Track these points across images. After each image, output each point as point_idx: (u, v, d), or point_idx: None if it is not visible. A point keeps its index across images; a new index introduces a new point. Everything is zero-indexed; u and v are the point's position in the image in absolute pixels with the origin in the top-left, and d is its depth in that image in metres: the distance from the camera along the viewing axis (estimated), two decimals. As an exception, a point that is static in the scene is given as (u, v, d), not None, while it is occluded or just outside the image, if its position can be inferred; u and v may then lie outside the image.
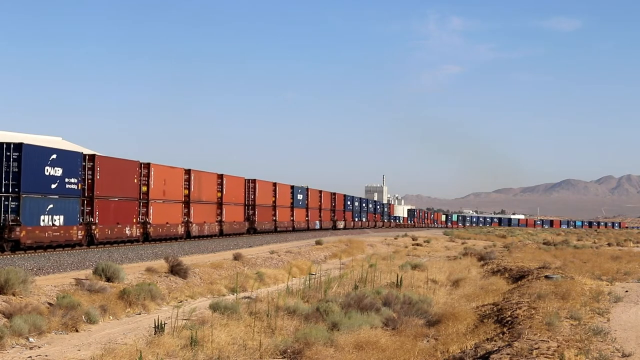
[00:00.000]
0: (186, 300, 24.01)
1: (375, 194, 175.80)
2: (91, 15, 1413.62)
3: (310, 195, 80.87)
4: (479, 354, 13.79)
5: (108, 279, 23.08)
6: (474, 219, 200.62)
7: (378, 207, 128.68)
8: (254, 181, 62.34)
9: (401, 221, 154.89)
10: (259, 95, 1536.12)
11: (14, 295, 18.79)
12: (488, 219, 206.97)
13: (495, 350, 13.56)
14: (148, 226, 42.61)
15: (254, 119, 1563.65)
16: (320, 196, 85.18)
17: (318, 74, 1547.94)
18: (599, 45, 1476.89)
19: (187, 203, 48.26)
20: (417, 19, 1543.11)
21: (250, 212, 61.70)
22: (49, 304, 18.99)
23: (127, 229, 40.27)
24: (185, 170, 48.17)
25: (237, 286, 24.80)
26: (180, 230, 47.29)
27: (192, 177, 48.80)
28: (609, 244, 74.88)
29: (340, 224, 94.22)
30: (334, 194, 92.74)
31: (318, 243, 51.17)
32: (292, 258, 39.25)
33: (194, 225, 49.13)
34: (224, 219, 54.78)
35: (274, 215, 67.72)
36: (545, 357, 12.67)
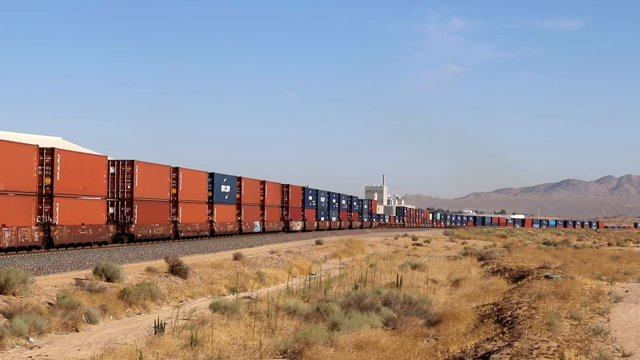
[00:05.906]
0: (186, 300, 24.00)
1: (375, 194, 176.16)
2: (91, 15, 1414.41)
3: (245, 187, 61.30)
4: (479, 354, 13.78)
5: (108, 279, 23.08)
6: (453, 218, 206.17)
7: (355, 204, 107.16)
8: (130, 164, 42.31)
9: (387, 220, 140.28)
10: (258, 94, 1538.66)
11: (14, 295, 18.80)
12: (465, 218, 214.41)
13: (496, 350, 13.55)
14: None
15: (253, 118, 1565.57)
16: (263, 188, 66.00)
17: (318, 73, 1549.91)
18: (599, 45, 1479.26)
19: None
20: (417, 19, 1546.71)
21: (126, 210, 42.37)
22: (49, 303, 18.99)
23: None
24: None
25: (237, 286, 24.81)
26: None
27: None
28: (609, 244, 74.89)
29: (297, 225, 75.38)
30: (287, 186, 72.88)
31: (318, 243, 51.75)
32: (292, 258, 39.27)
33: None
34: (55, 221, 34.90)
35: (175, 214, 48.13)
36: (546, 357, 12.66)
